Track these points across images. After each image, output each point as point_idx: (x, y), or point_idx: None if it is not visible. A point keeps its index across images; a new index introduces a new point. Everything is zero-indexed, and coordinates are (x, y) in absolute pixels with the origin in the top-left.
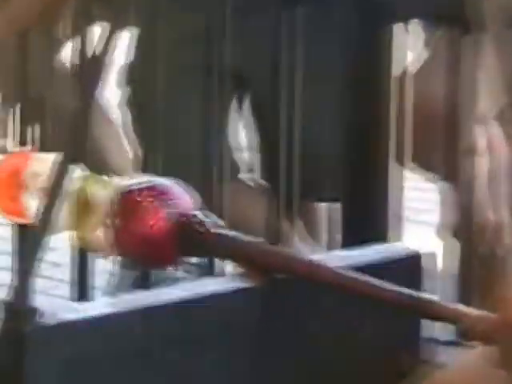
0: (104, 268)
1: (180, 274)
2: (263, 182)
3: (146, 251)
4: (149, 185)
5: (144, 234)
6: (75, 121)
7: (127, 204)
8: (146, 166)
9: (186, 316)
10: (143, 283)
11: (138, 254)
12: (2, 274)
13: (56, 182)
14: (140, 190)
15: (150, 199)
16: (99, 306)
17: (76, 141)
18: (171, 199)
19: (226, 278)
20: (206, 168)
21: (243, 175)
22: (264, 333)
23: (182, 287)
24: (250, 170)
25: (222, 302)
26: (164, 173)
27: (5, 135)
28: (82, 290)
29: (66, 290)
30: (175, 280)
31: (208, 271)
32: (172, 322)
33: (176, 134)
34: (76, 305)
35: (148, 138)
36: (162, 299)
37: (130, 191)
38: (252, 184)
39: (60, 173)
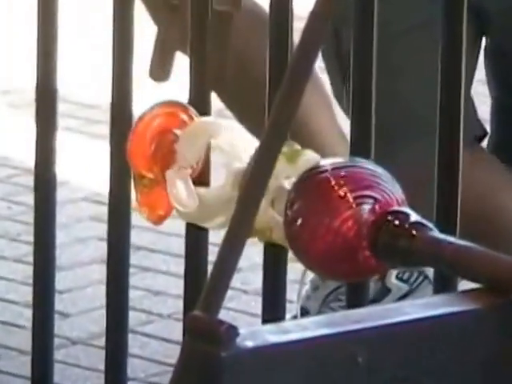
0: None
1: (393, 284)
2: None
3: (331, 255)
4: (347, 165)
5: (332, 231)
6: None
7: (313, 188)
8: (355, 147)
9: (417, 343)
10: (354, 296)
11: (319, 259)
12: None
13: (262, 167)
14: (334, 171)
15: (346, 185)
16: (307, 325)
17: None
18: (373, 189)
19: (460, 296)
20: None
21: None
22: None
23: (407, 304)
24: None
25: (458, 327)
26: (377, 155)
27: None
28: (272, 304)
29: (246, 301)
30: (385, 292)
31: (441, 285)
32: (401, 349)
33: (397, 95)
34: (278, 324)
35: (359, 104)
36: (388, 319)
37: (320, 171)
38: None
39: (268, 156)
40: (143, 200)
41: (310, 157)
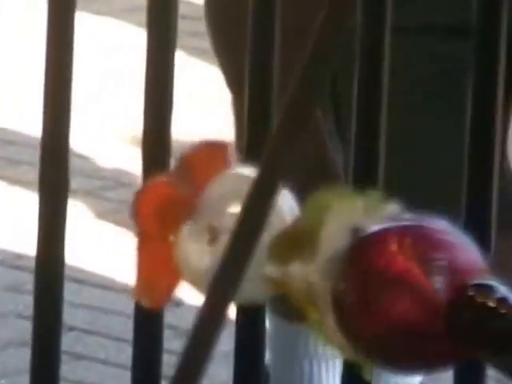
0: None
1: None
2: None
3: (400, 340)
4: (411, 228)
5: (398, 311)
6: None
7: (370, 258)
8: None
9: None
10: None
11: (383, 344)
12: None
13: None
14: (397, 236)
15: (415, 251)
16: None
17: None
18: (447, 255)
19: None
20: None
21: None
22: None
23: None
24: None
25: None
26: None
27: None
28: None
29: None
30: None
31: None
32: None
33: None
34: None
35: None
36: None
37: (379, 235)
38: None
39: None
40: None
41: (390, 212)
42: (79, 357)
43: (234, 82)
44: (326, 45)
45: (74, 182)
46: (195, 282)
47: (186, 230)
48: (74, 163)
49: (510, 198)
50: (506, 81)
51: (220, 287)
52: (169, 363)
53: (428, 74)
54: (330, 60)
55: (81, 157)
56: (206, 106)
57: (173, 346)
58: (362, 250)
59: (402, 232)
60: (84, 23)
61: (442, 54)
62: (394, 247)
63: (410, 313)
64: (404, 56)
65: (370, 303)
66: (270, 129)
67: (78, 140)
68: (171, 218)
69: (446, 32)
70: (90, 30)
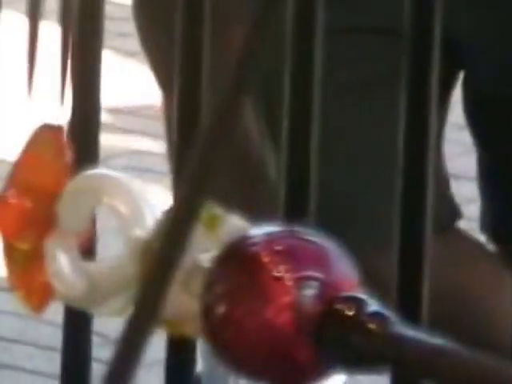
0: None
1: None
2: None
3: (265, 354)
4: (284, 237)
5: (264, 324)
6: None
7: (239, 266)
8: (288, 207)
9: None
10: None
11: (249, 358)
12: None
13: (177, 234)
14: (267, 245)
15: (283, 263)
16: None
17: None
18: (317, 268)
19: None
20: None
21: (459, 223)
22: None
23: None
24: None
25: None
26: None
27: None
28: None
29: None
30: None
31: None
32: None
33: (341, 151)
34: None
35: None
36: None
37: (249, 244)
38: (475, 238)
39: (186, 218)
40: (17, 280)
41: (234, 224)
42: (6, 366)
43: (165, 81)
44: (253, 44)
45: None
46: (77, 303)
47: (50, 245)
48: None
49: (444, 198)
50: (441, 82)
51: (148, 294)
52: (98, 372)
53: (359, 76)
54: (258, 60)
55: None
56: (134, 108)
57: (101, 355)
58: (231, 260)
59: (274, 243)
60: (9, 23)
61: (373, 55)
62: (265, 258)
63: (278, 325)
64: (335, 58)
65: (237, 314)
66: (200, 126)
67: None
68: (31, 236)
69: (376, 33)
70: (15, 30)
